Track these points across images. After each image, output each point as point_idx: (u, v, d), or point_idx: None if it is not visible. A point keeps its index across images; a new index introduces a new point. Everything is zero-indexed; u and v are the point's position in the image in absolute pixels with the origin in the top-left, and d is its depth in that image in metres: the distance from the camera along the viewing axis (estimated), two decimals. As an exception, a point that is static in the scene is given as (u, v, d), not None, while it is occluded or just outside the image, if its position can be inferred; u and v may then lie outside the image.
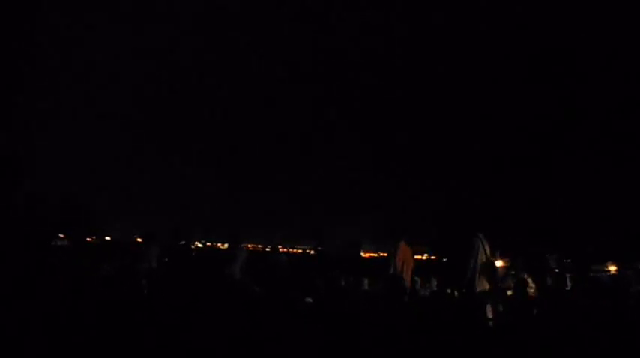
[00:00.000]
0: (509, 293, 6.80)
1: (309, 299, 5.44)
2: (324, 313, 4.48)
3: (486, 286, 5.03)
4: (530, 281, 7.30)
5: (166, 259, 8.83)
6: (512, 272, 8.81)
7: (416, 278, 13.92)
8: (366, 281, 12.00)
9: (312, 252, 19.88)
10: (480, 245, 5.05)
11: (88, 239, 16.75)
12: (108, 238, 17.57)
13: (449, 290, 6.81)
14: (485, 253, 5.04)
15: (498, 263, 11.21)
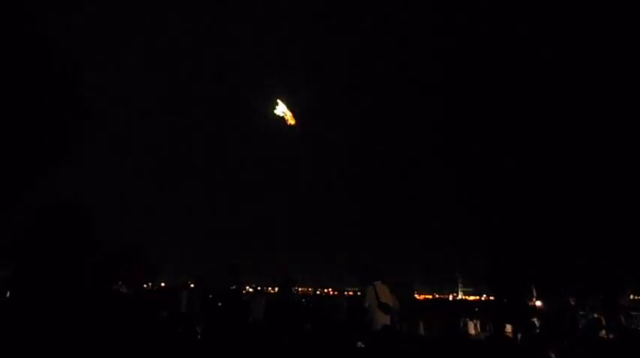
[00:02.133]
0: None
1: (361, 344, 5.26)
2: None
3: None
4: (603, 321, 6.70)
5: (220, 304, 8.97)
6: (582, 312, 8.11)
7: (475, 320, 13.16)
8: (421, 324, 11.49)
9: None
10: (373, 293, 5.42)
11: (145, 286, 17.37)
12: (163, 284, 18.11)
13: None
14: (378, 298, 5.40)
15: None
